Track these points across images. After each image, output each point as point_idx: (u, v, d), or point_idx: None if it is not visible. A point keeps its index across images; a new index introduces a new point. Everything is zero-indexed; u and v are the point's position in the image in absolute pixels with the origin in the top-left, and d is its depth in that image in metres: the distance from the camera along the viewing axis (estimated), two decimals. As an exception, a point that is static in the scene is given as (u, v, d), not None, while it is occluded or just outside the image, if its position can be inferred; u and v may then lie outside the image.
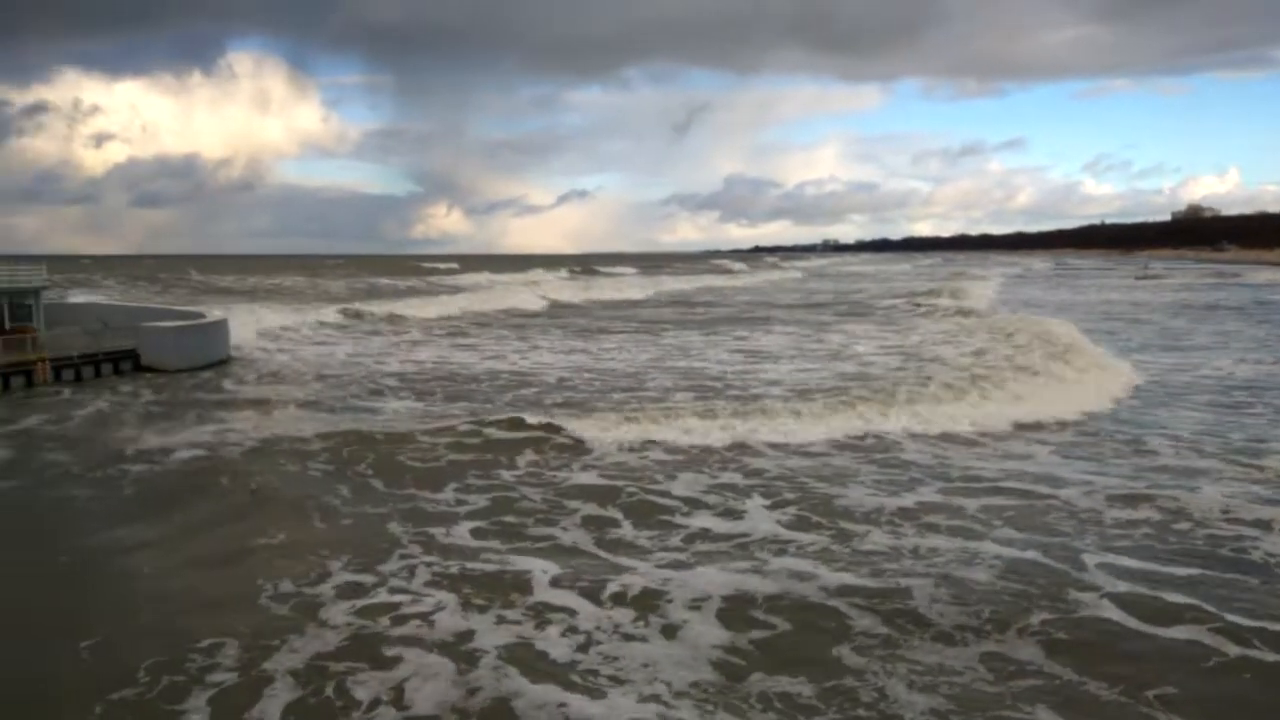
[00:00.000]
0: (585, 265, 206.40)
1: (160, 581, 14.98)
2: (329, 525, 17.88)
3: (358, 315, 66.00)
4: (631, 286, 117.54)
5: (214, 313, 47.67)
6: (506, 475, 21.34)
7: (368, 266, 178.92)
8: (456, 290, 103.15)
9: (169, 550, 16.62)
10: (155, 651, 12.06)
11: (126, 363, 39.09)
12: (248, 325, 50.23)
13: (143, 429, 26.96)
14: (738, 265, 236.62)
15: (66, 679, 11.64)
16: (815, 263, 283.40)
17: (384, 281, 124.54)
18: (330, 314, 63.83)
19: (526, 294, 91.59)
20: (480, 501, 19.35)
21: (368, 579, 14.85)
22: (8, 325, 39.89)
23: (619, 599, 13.94)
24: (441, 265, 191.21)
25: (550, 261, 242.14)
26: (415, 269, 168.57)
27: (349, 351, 47.15)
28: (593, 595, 14.06)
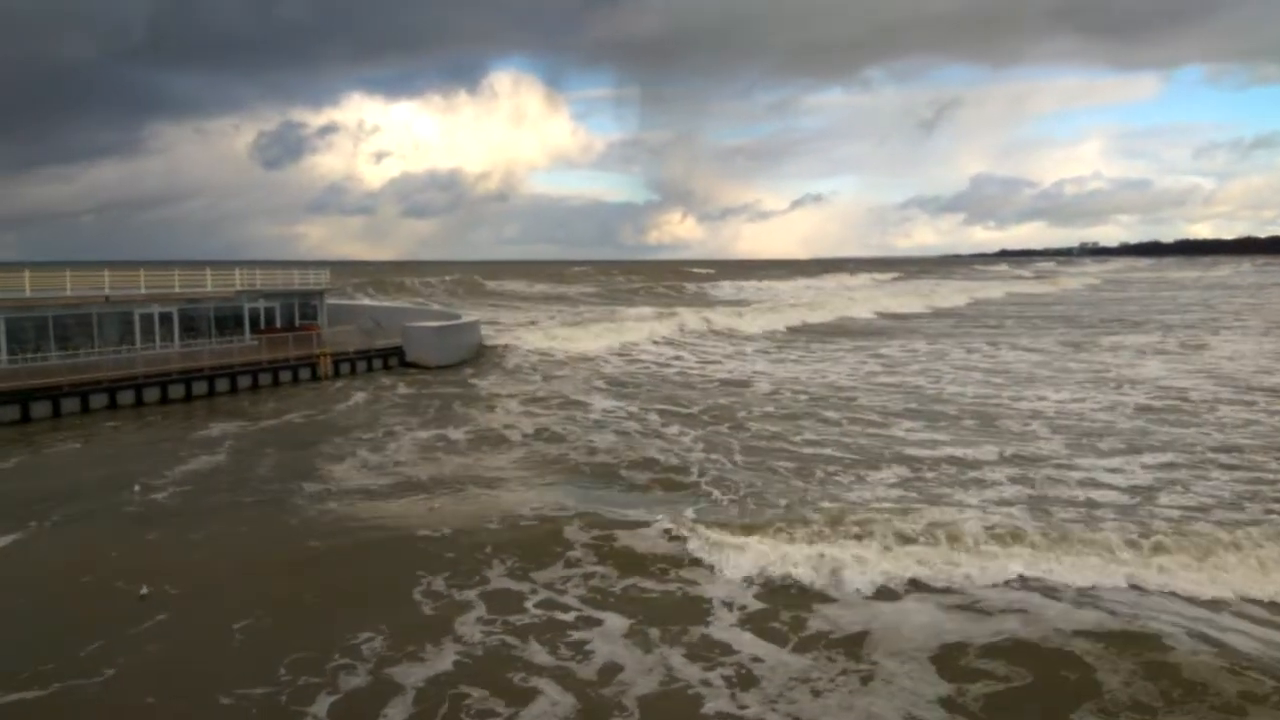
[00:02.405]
0: (835, 269, 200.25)
1: (328, 570, 15.68)
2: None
3: (686, 329, 60.56)
4: (943, 293, 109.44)
5: (469, 315, 51.00)
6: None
7: (626, 271, 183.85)
8: (729, 299, 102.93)
9: (360, 531, 17.47)
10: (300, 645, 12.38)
11: (393, 358, 42.72)
12: (532, 332, 52.82)
13: (378, 424, 29.15)
14: (1024, 271, 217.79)
15: (206, 663, 12.21)
16: (1095, 268, 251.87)
17: (655, 289, 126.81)
18: (642, 329, 58.29)
19: (857, 305, 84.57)
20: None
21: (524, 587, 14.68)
22: (297, 323, 45.05)
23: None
24: (698, 270, 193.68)
25: (787, 268, 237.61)
26: (676, 273, 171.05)
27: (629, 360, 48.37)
28: None
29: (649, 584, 14.89)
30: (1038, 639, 12.52)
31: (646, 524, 17.13)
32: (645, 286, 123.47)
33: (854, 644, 12.59)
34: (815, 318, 72.65)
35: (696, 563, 15.36)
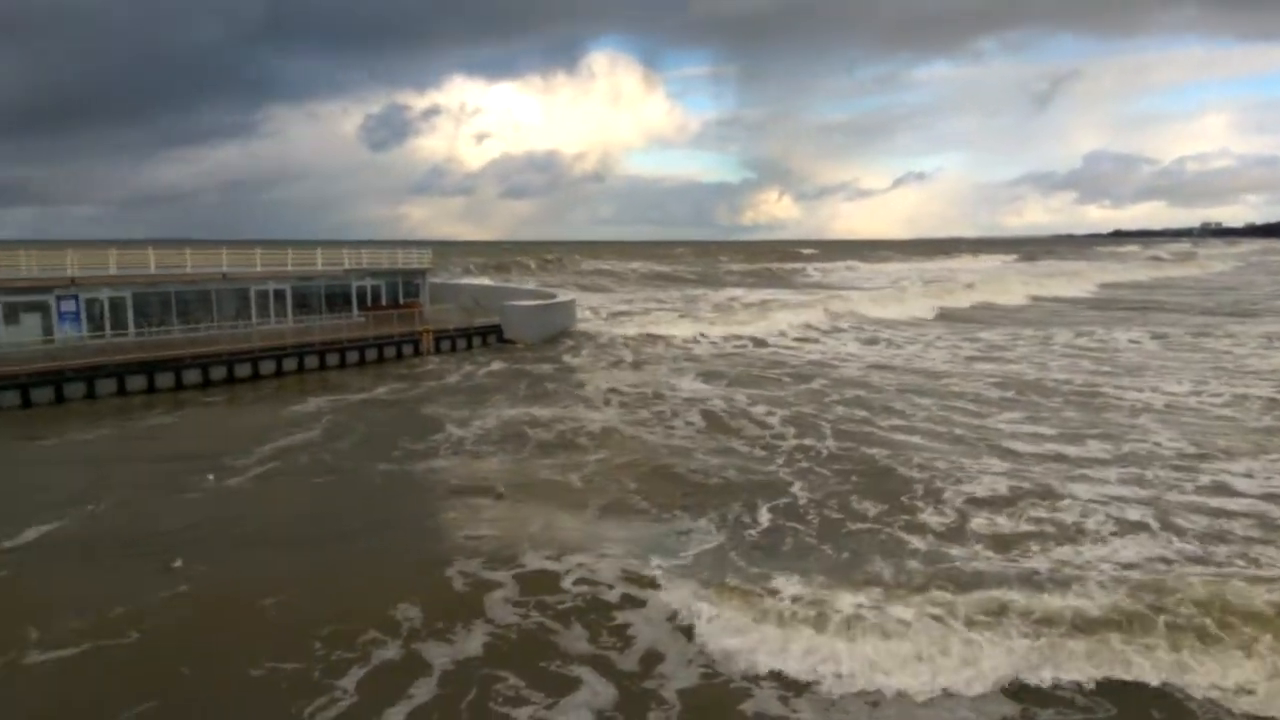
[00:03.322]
0: (945, 249, 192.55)
1: (383, 549, 15.96)
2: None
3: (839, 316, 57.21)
4: (1083, 275, 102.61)
5: (565, 294, 51.45)
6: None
7: (727, 251, 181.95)
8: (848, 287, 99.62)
9: (418, 505, 17.79)
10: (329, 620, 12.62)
11: (492, 336, 43.58)
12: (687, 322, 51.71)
13: (468, 401, 29.69)
14: (1159, 251, 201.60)
15: (239, 634, 12.53)
16: (1229, 249, 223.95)
17: (758, 269, 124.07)
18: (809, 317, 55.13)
19: (1007, 287, 79.18)
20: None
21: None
22: (402, 300, 46.41)
23: None
24: (804, 249, 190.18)
25: (893, 248, 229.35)
26: (777, 253, 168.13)
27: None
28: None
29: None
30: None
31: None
32: (748, 270, 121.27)
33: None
34: (955, 301, 68.62)
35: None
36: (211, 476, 20.48)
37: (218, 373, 33.62)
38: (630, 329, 47.19)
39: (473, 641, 12.28)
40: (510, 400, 29.40)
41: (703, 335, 46.88)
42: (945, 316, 59.90)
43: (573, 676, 11.41)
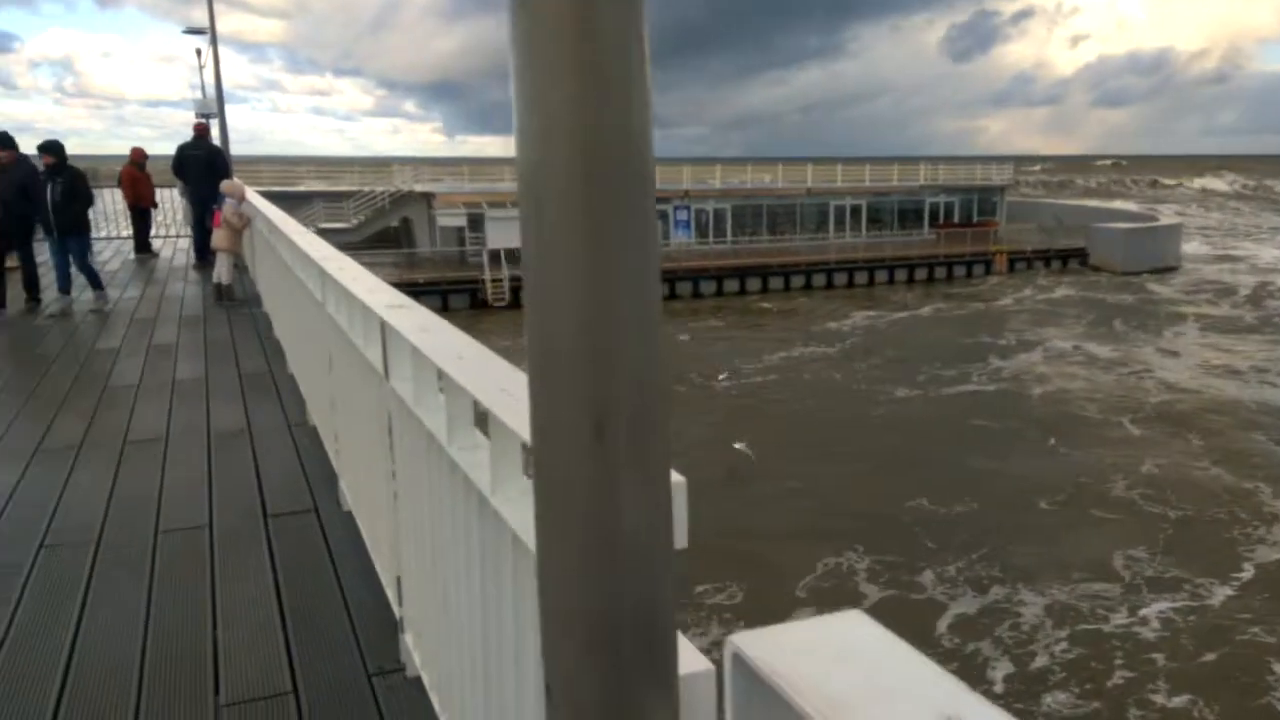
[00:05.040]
0: None
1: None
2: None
3: None
4: None
5: (1167, 218, 44.42)
6: None
7: None
8: None
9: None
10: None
11: (1075, 260, 40.04)
12: None
13: (1025, 328, 27.71)
14: None
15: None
16: None
17: None
18: None
19: None
20: None
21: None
22: (975, 218, 44.69)
23: None
24: None
25: None
26: None
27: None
28: None
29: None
30: None
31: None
32: None
33: None
34: None
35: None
36: (724, 375, 22.37)
37: (796, 281, 36.78)
38: (1253, 267, 39.12)
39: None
40: (1070, 333, 26.87)
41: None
42: None
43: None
